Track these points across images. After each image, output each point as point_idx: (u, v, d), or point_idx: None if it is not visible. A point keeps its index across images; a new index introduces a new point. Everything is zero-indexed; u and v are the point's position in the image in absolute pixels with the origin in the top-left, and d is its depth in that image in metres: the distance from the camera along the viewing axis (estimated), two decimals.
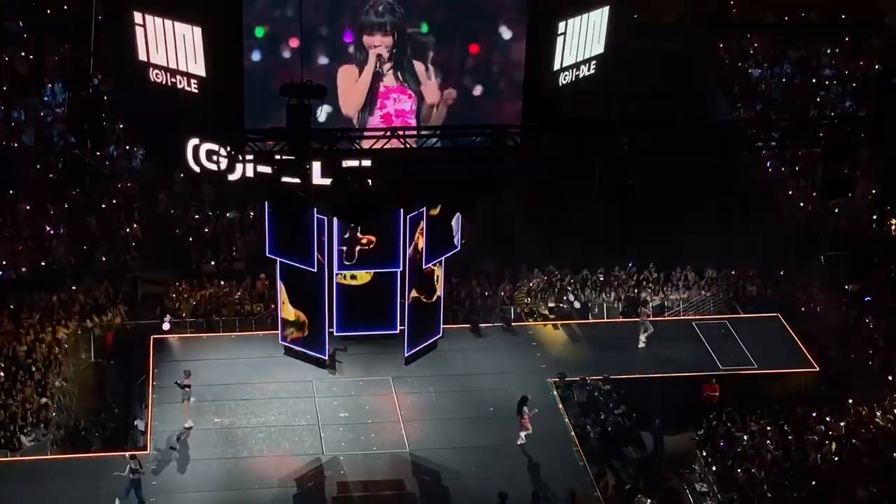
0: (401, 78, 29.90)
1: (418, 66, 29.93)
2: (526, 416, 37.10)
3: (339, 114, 29.64)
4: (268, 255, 35.16)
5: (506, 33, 29.94)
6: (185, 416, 37.63)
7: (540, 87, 30.50)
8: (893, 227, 46.65)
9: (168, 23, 29.46)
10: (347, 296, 34.36)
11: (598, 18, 31.67)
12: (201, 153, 30.85)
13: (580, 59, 31.52)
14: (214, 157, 30.63)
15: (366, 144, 26.65)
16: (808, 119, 41.85)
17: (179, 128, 30.74)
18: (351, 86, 29.80)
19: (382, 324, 35.11)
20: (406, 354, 35.67)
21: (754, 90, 51.85)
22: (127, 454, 35.45)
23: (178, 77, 29.84)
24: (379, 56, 29.63)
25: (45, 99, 48.15)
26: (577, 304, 44.56)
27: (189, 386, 37.76)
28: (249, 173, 29.03)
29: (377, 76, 29.86)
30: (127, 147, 46.34)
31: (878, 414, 38.52)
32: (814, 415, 38.30)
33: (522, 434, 37.25)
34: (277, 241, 34.40)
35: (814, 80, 52.12)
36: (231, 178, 30.37)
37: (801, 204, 47.80)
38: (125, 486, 34.53)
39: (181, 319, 42.57)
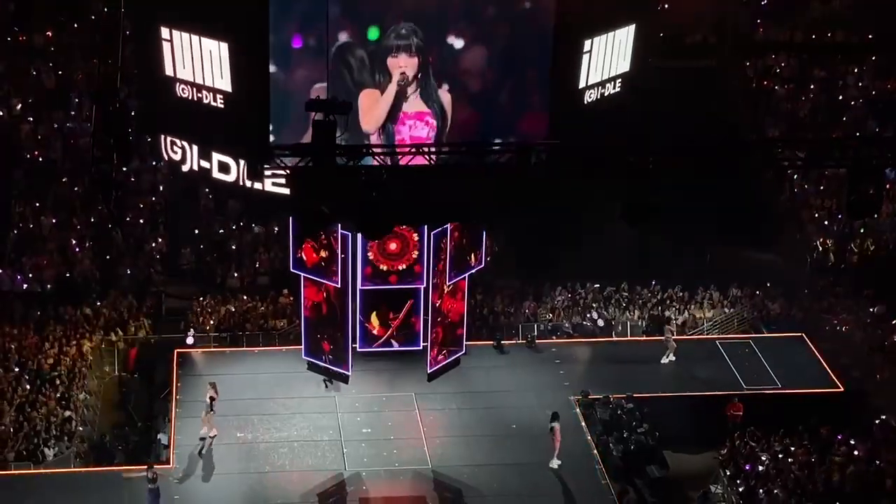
0: (424, 101, 30.00)
1: (443, 94, 30.09)
2: (556, 432, 36.97)
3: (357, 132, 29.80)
4: (291, 270, 35.23)
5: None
6: (209, 427, 37.67)
7: (565, 104, 30.51)
8: None
9: (195, 38, 29.60)
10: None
11: (625, 37, 31.69)
12: (167, 143, 31.93)
13: (606, 77, 31.53)
14: (174, 148, 31.70)
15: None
16: (834, 139, 41.76)
17: (204, 142, 30.92)
18: (371, 107, 29.98)
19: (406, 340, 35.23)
20: (429, 371, 35.67)
21: (780, 110, 51.76)
22: (147, 468, 35.64)
23: (205, 92, 29.97)
24: (403, 75, 29.73)
25: (73, 113, 48.40)
26: (600, 322, 44.51)
27: (214, 398, 37.78)
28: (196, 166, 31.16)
29: (400, 97, 29.95)
30: (153, 162, 46.53)
31: None
32: (839, 437, 38.13)
33: (556, 461, 37.15)
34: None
35: (840, 97, 52.02)
36: (184, 168, 31.58)
37: (826, 223, 47.70)
38: (147, 500, 34.66)
39: (205, 334, 42.68)
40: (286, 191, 27.07)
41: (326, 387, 39.28)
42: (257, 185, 30.19)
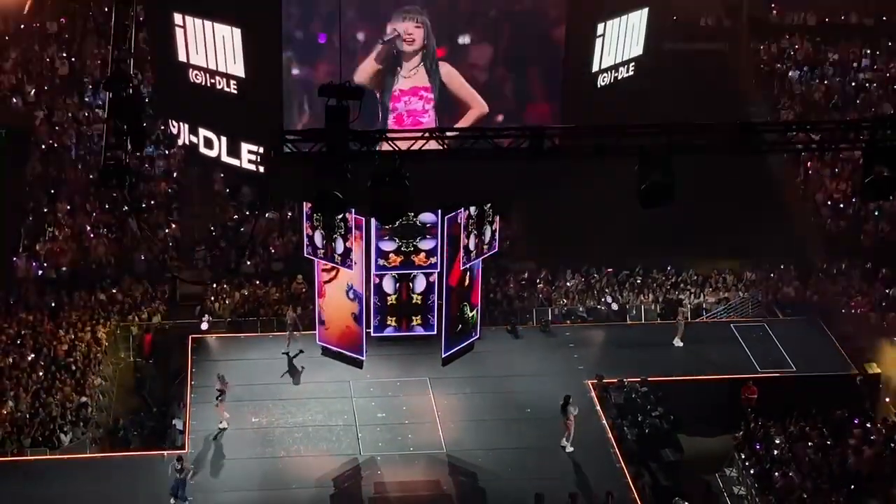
0: (428, 75, 29.89)
1: (442, 66, 29.90)
2: (571, 417, 36.93)
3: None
4: (305, 255, 35.25)
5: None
6: (218, 417, 37.70)
7: (579, 88, 30.46)
8: None
9: (208, 24, 29.59)
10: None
11: (638, 20, 31.59)
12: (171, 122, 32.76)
13: (619, 60, 31.45)
14: (171, 122, 32.51)
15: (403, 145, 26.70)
16: (849, 121, 41.69)
17: (217, 127, 30.97)
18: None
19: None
20: (443, 355, 35.67)
21: (794, 92, 51.64)
22: (166, 454, 35.68)
23: (218, 78, 29.97)
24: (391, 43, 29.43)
25: (86, 99, 48.48)
26: (614, 306, 44.49)
27: (223, 391, 37.76)
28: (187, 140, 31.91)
29: (393, 65, 29.72)
30: (166, 150, 46.59)
31: None
32: (854, 421, 38.10)
33: (564, 441, 37.10)
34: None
35: (853, 83, 51.90)
36: (179, 142, 32.63)
37: (841, 206, 47.61)
38: (171, 485, 34.75)
39: (220, 319, 42.74)
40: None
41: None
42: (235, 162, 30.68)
